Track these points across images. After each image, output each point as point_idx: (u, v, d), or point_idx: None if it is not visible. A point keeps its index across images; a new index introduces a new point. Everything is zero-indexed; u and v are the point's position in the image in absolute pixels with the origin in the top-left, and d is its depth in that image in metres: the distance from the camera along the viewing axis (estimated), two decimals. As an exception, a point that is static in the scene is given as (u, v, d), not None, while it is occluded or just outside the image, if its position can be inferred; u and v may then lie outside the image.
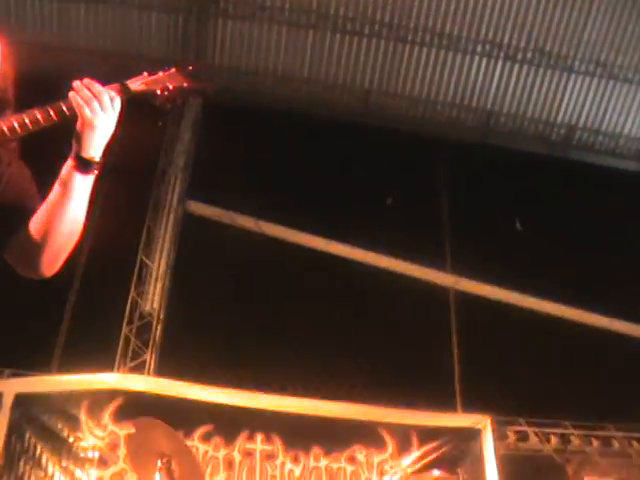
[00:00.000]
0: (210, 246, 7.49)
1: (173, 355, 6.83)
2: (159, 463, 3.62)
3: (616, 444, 6.98)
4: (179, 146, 8.09)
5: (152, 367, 6.71)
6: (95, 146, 1.99)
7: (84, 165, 1.98)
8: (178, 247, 7.58)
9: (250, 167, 7.94)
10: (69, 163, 2.00)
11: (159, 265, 7.14)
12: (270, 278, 7.51)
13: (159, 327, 6.92)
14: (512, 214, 8.13)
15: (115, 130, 2.03)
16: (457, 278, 7.97)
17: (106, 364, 6.53)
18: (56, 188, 2.01)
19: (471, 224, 8.10)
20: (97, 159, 2.00)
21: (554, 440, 6.98)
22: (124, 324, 6.75)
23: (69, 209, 2.01)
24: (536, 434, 6.97)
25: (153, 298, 6.94)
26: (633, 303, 7.39)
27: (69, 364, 6.44)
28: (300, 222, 7.89)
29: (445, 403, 6.90)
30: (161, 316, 6.98)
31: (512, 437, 6.92)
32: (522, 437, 6.98)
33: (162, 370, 6.73)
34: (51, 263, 2.11)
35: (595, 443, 7.00)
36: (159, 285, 7.02)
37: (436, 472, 6.01)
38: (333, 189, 8.01)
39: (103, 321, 6.83)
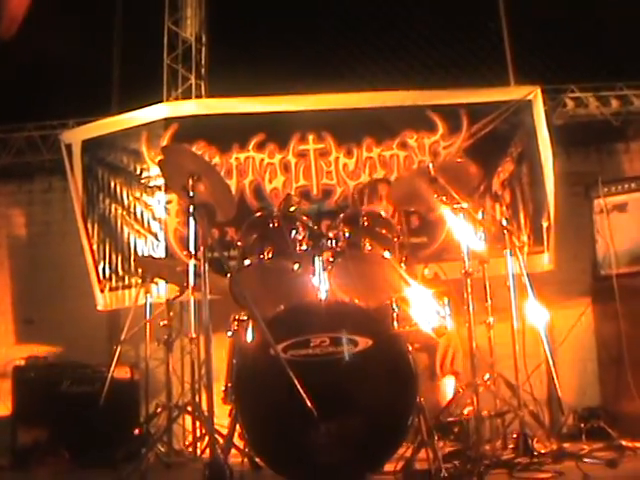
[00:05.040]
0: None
1: (222, 76, 6.95)
2: (190, 181, 3.83)
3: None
4: None
5: (202, 90, 6.94)
6: None
7: None
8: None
9: None
10: None
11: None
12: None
13: (203, 50, 7.01)
14: None
15: None
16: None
17: (160, 97, 6.85)
18: None
19: None
20: None
21: (614, 102, 6.85)
22: (165, 54, 6.89)
23: None
24: (594, 98, 6.87)
25: (191, 23, 6.98)
26: None
27: (126, 104, 6.75)
28: None
29: (496, 80, 6.76)
30: (203, 39, 7.04)
31: (570, 104, 6.88)
32: (579, 103, 6.87)
33: (214, 93, 6.91)
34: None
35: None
36: (194, 9, 7.00)
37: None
38: None
39: (152, 56, 6.99)
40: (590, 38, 6.83)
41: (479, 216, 4.51)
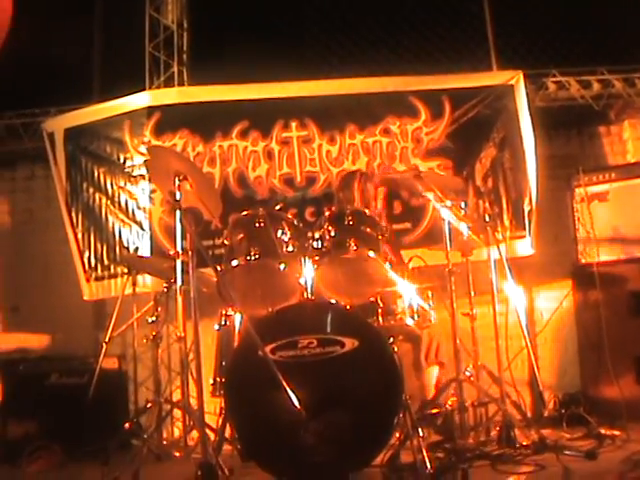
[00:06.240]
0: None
1: (205, 62, 6.93)
2: (177, 180, 3.86)
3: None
4: None
5: (184, 78, 6.91)
6: None
7: None
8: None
9: None
10: None
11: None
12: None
13: (184, 36, 6.96)
14: None
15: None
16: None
17: (143, 84, 6.82)
18: None
19: None
20: None
21: (595, 86, 6.88)
22: (146, 42, 6.84)
23: None
24: (576, 82, 6.87)
25: (172, 9, 6.91)
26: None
27: (108, 92, 6.71)
28: None
29: (478, 64, 6.81)
30: (185, 25, 6.98)
31: (552, 87, 6.90)
32: (560, 87, 6.89)
33: (197, 80, 6.89)
34: None
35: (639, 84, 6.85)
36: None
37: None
38: None
39: (133, 43, 6.93)
40: (572, 22, 6.86)
41: (462, 206, 4.60)
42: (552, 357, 6.47)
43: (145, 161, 4.22)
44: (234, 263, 3.96)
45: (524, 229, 6.25)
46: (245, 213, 4.16)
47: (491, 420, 4.46)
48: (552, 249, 6.37)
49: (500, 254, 4.41)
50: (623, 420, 4.48)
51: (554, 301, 6.42)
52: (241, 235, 4.05)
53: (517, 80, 6.41)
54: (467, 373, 4.30)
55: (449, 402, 4.35)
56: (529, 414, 4.88)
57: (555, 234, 6.41)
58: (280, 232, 4.00)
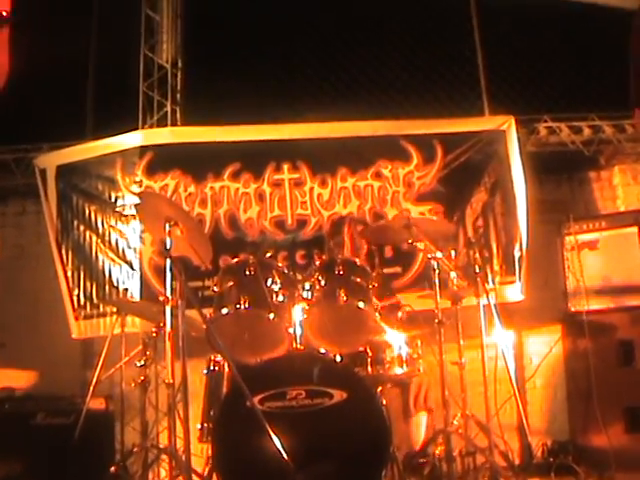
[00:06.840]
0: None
1: (198, 102, 6.97)
2: (167, 226, 3.87)
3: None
4: None
5: (178, 117, 6.91)
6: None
7: None
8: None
9: None
10: None
11: (167, 14, 7.00)
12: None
13: (178, 75, 6.98)
14: None
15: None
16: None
17: (136, 123, 6.84)
18: None
19: None
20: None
21: (586, 131, 6.93)
22: (141, 81, 6.85)
23: None
24: (567, 127, 6.93)
25: (167, 49, 6.95)
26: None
27: (101, 130, 6.73)
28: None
29: (470, 108, 6.91)
30: (179, 64, 7.00)
31: (543, 132, 6.96)
32: (552, 131, 6.96)
33: (190, 120, 6.90)
34: None
35: (630, 130, 6.93)
36: (170, 34, 6.97)
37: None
38: None
39: (127, 82, 6.96)
40: (564, 68, 6.97)
41: (452, 256, 4.64)
42: (541, 403, 6.45)
43: (136, 206, 4.24)
44: (224, 311, 3.97)
45: (514, 274, 6.26)
46: (236, 260, 4.17)
47: (479, 470, 4.42)
48: (542, 294, 6.37)
49: (489, 302, 4.43)
50: (612, 470, 4.48)
51: (544, 346, 6.42)
52: (231, 283, 4.06)
53: (509, 125, 6.45)
54: (455, 423, 4.29)
55: (437, 451, 4.33)
56: (517, 461, 4.87)
57: (545, 279, 6.42)
58: (270, 281, 4.02)
